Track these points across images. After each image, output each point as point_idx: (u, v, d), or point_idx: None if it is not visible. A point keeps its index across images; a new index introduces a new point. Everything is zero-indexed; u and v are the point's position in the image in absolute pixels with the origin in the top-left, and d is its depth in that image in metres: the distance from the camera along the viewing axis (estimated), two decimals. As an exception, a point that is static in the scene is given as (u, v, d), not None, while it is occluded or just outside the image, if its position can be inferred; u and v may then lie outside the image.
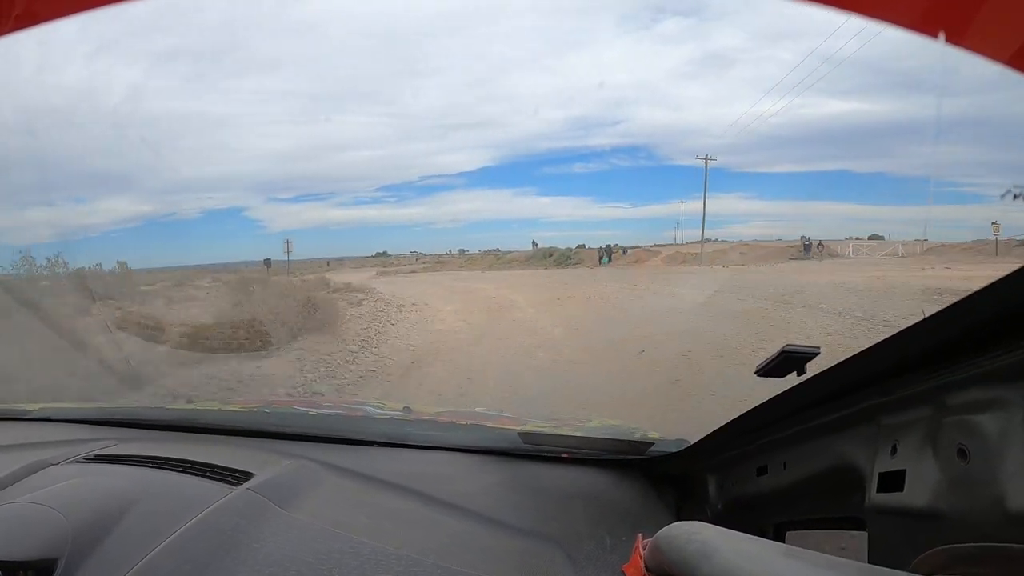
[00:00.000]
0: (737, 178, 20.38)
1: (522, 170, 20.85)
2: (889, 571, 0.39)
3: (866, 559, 0.57)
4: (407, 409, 1.37)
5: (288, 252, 14.86)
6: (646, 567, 0.52)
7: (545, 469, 1.05)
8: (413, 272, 17.86)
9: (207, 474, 0.87)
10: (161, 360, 5.43)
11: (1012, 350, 0.44)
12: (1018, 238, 12.29)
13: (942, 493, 0.49)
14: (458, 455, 1.08)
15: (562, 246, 17.87)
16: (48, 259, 7.64)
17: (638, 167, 18.08)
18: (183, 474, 0.88)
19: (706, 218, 16.33)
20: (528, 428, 1.14)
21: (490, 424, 1.22)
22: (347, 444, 1.11)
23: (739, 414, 0.80)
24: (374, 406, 1.51)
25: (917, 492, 0.51)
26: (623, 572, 0.59)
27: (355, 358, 6.10)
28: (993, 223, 12.56)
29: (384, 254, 21.10)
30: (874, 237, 17.28)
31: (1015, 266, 0.42)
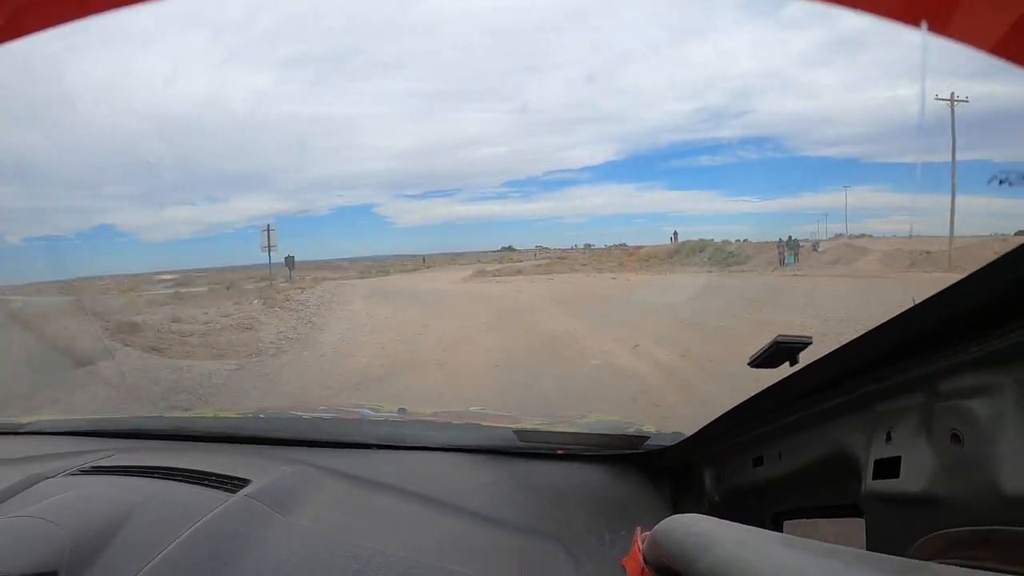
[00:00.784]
0: (872, 169, 18.18)
1: (647, 164, 20.70)
2: (887, 557, 0.39)
3: (864, 546, 0.58)
4: (402, 410, 1.37)
5: (269, 247, 13.07)
6: (645, 560, 0.52)
7: (542, 466, 1.05)
8: (518, 273, 15.29)
9: (204, 482, 0.86)
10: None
11: (1004, 335, 0.45)
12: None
13: (938, 478, 0.49)
14: (455, 455, 1.08)
15: (695, 239, 16.27)
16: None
17: (765, 159, 17.42)
18: (180, 483, 0.87)
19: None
20: (524, 426, 1.14)
21: (486, 423, 1.22)
22: (343, 448, 1.11)
23: (733, 406, 0.81)
24: (369, 408, 1.50)
25: (913, 478, 0.51)
26: (622, 566, 0.59)
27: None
28: None
29: (509, 248, 21.13)
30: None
31: None
